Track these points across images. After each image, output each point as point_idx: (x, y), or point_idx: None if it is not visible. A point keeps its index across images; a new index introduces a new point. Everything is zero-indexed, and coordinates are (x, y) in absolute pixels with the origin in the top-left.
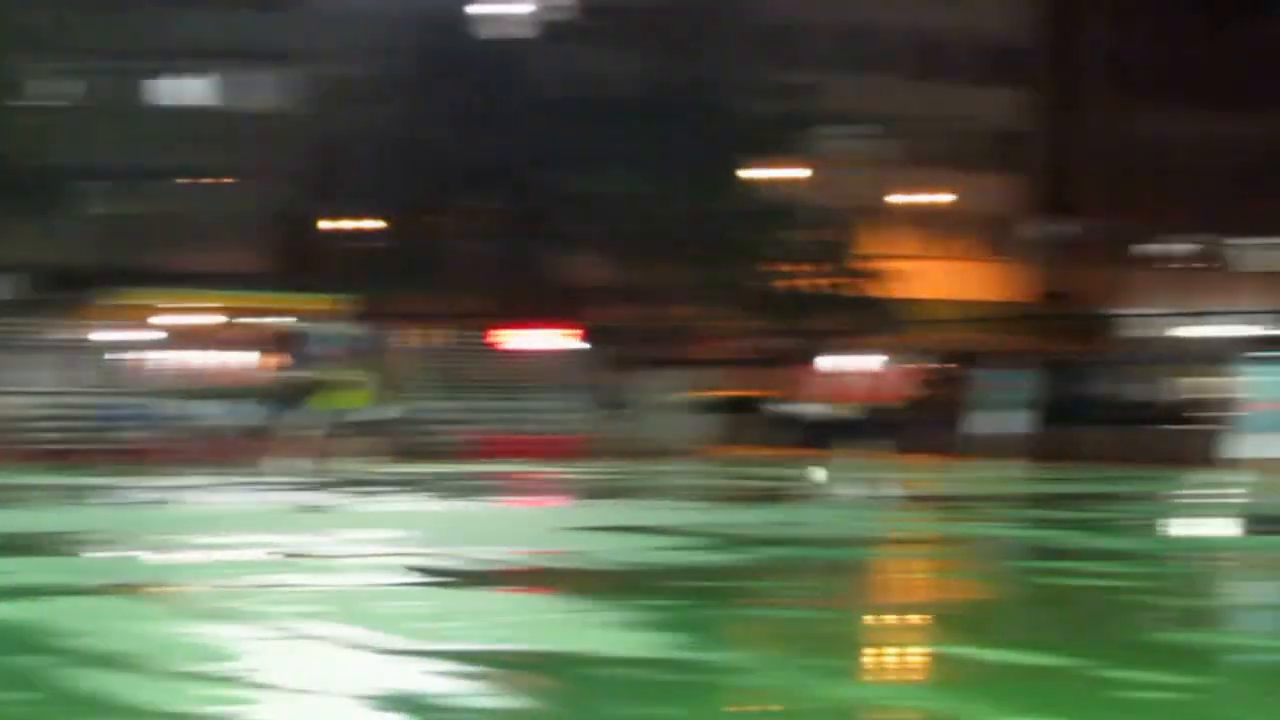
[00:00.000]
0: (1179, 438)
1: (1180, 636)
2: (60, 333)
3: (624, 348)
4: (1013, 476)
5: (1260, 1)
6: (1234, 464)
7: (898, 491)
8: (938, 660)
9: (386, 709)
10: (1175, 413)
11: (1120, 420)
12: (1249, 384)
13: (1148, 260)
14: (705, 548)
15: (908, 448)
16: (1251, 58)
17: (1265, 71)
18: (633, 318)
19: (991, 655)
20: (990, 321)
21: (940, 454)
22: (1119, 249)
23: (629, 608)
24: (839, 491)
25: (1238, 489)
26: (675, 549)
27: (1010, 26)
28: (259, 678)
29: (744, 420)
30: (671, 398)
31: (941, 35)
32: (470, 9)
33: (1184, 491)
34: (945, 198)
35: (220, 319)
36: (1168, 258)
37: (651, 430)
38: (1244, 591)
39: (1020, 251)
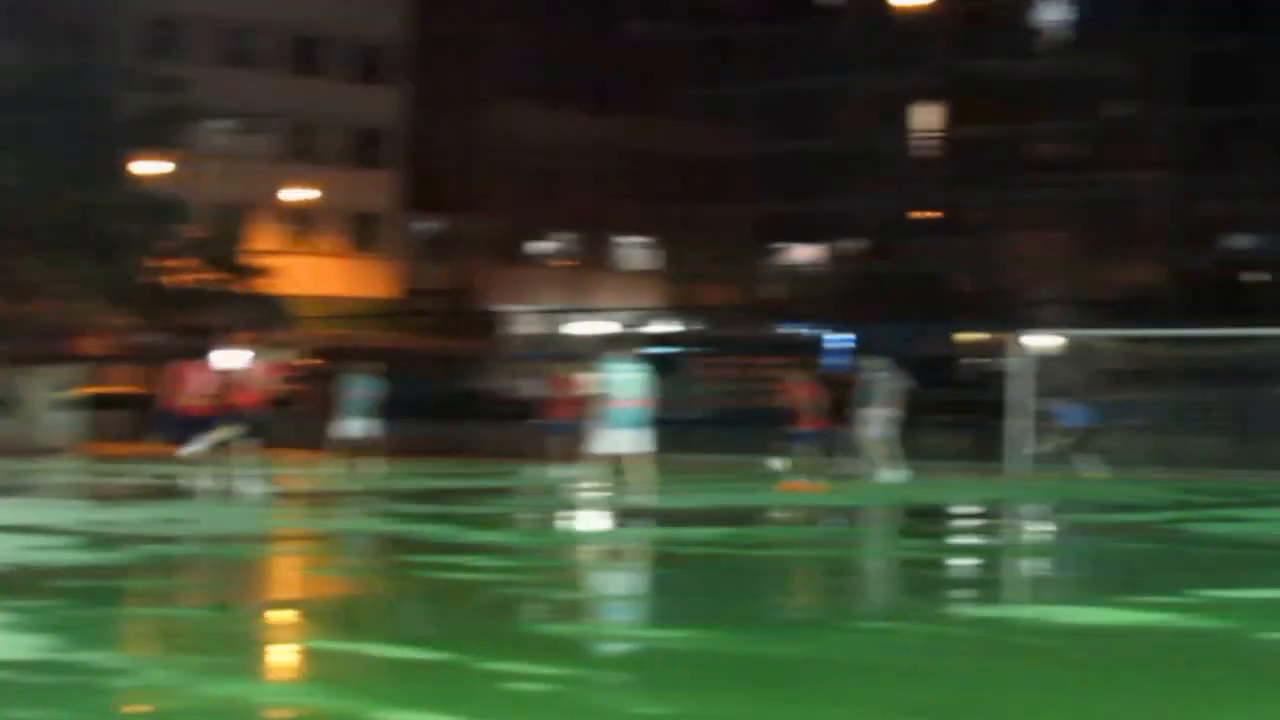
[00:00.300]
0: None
1: (556, 628)
2: None
3: None
4: (386, 473)
5: (640, 7)
6: (598, 459)
7: (271, 488)
8: (321, 656)
9: None
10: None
11: (502, 416)
12: (609, 381)
13: (532, 257)
14: (84, 546)
15: (279, 443)
16: (628, 62)
17: (640, 76)
18: (6, 313)
19: (375, 650)
20: (363, 318)
21: (310, 450)
22: (504, 246)
23: (6, 610)
24: (212, 489)
25: (603, 484)
26: (53, 548)
27: (388, 25)
28: None
29: (122, 417)
30: (50, 395)
31: (318, 32)
32: None
33: (554, 486)
34: (318, 194)
35: None
36: (551, 255)
37: (29, 428)
38: (611, 583)
39: (394, 248)
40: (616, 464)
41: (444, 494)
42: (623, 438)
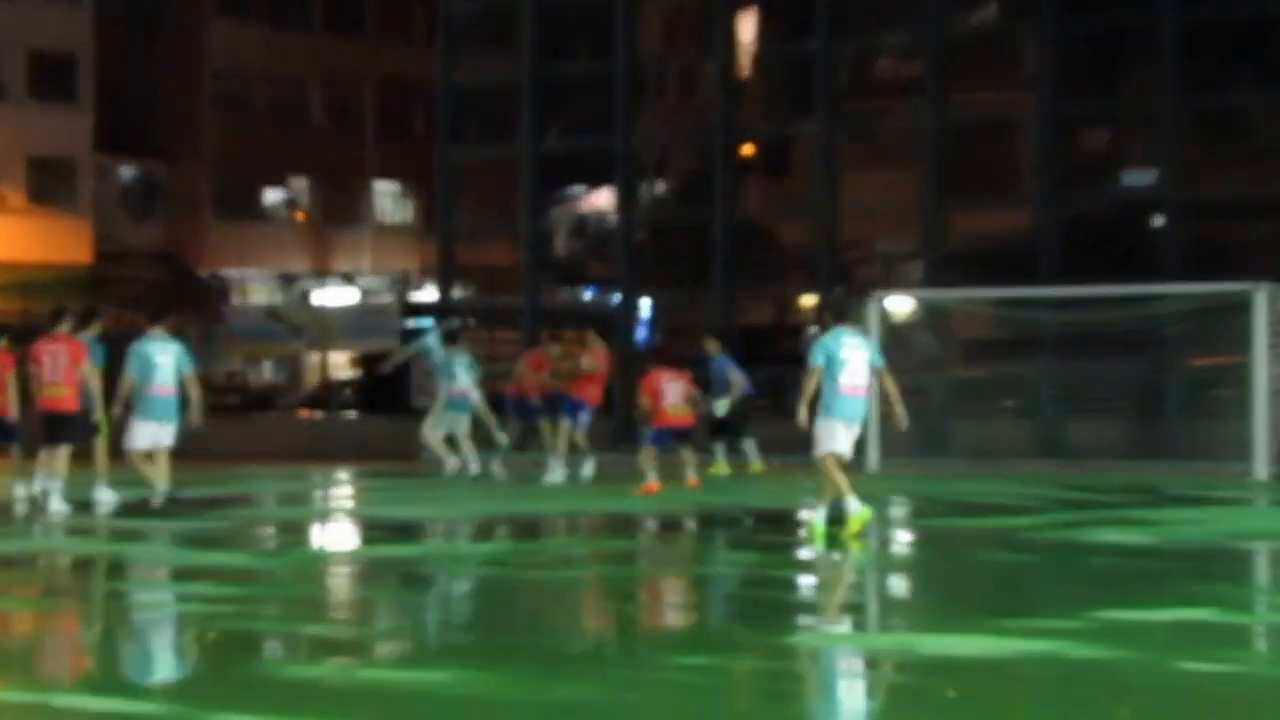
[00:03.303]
0: None
1: (299, 670)
2: None
3: None
4: (75, 480)
5: None
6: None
7: None
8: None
9: None
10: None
11: (229, 409)
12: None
13: (262, 211)
14: None
15: None
16: None
17: None
18: None
19: (69, 702)
20: (47, 289)
21: None
22: (226, 197)
23: None
24: None
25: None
26: None
27: None
28: None
29: None
30: None
31: None
32: None
33: (298, 494)
34: None
35: None
36: (285, 208)
37: None
38: (368, 613)
39: (86, 201)
40: None
41: (154, 506)
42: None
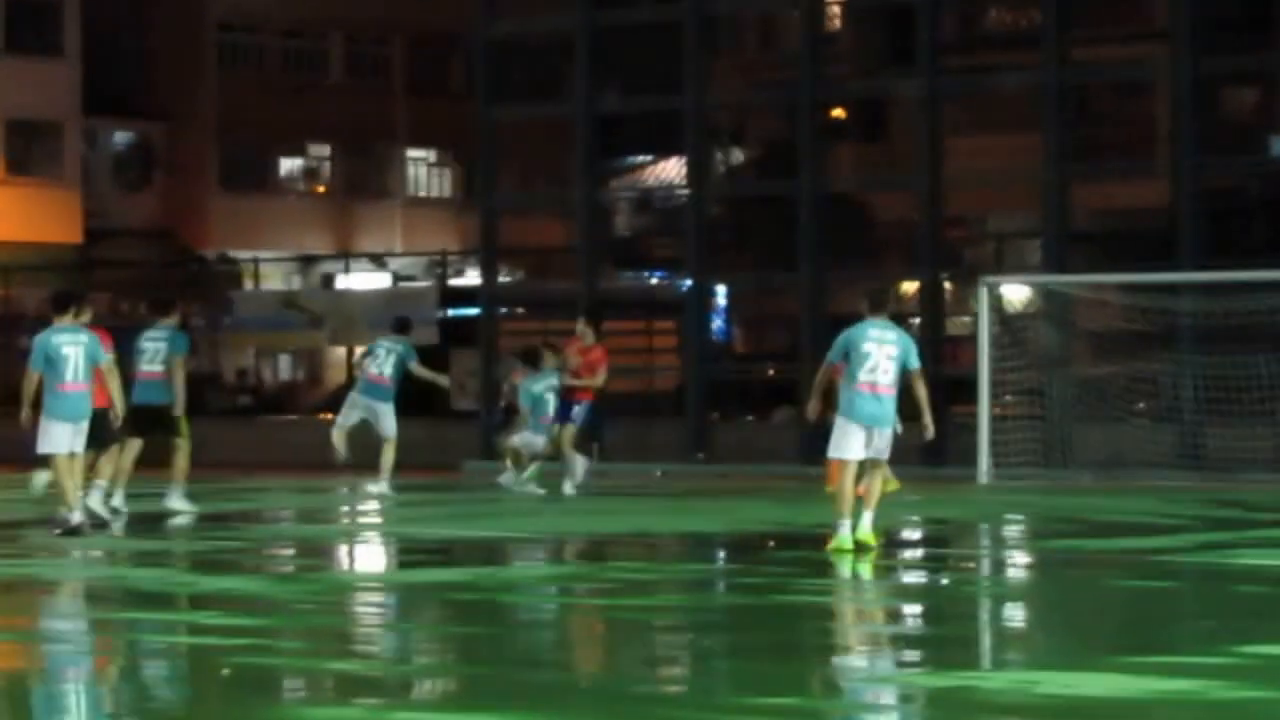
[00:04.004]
0: None
1: (321, 713)
2: None
3: None
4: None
5: None
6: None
7: None
8: None
9: None
10: None
11: (238, 411)
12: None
13: (276, 183)
14: None
15: None
16: None
17: None
18: None
19: None
20: (28, 271)
21: None
22: (232, 166)
23: None
24: None
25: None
26: None
27: None
28: None
29: None
30: None
31: None
32: None
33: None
34: None
35: None
36: (302, 179)
37: None
38: (398, 647)
39: (72, 170)
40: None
41: (158, 523)
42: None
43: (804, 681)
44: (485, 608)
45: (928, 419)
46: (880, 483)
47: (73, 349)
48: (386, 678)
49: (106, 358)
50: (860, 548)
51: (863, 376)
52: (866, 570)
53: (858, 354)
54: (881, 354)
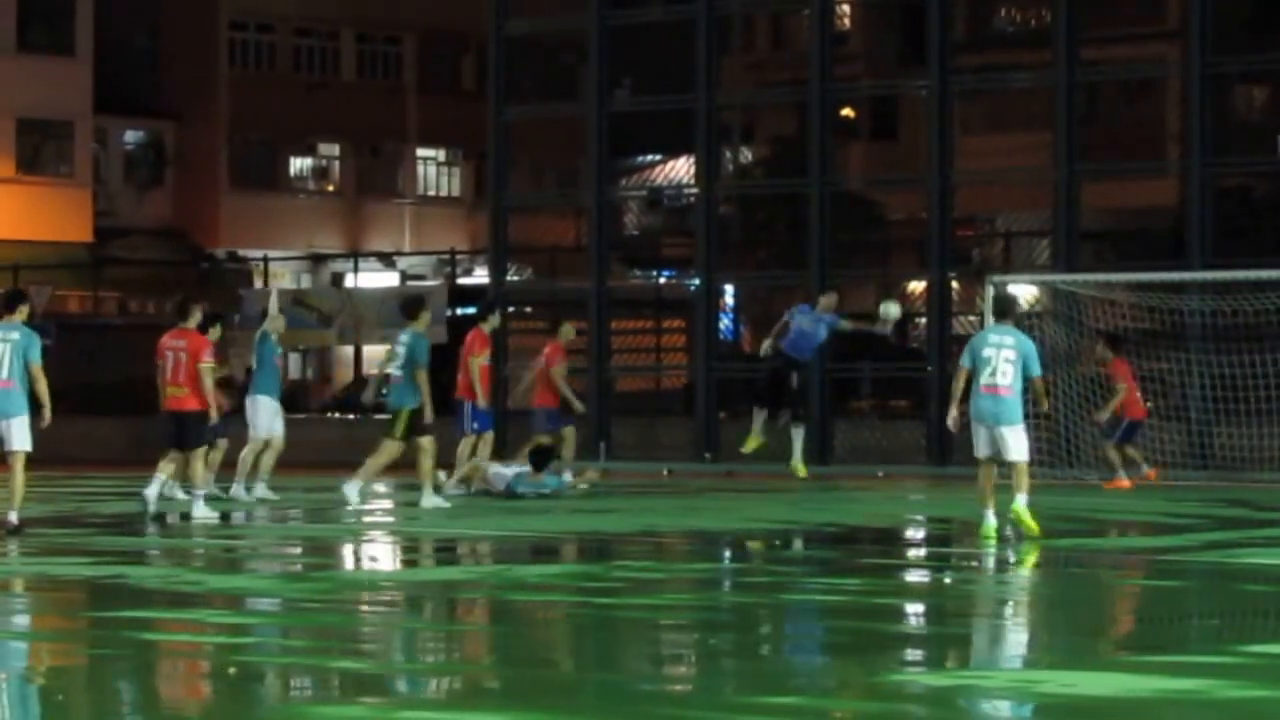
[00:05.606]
0: None
1: (333, 712)
2: None
3: None
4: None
5: None
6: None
7: None
8: None
9: None
10: None
11: None
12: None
13: (287, 182)
14: None
15: None
16: None
17: None
18: None
19: None
20: (37, 270)
21: None
22: (244, 164)
23: None
24: None
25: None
26: None
27: None
28: None
29: None
30: None
31: None
32: None
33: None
34: None
35: None
36: (314, 178)
37: None
38: (414, 647)
39: (82, 169)
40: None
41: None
42: None
43: (808, 680)
44: (492, 607)
45: (1043, 407)
46: (1023, 475)
47: (1, 345)
48: (392, 676)
49: (37, 356)
50: (1018, 531)
51: (984, 379)
52: (911, 566)
53: (980, 359)
54: (1000, 357)
